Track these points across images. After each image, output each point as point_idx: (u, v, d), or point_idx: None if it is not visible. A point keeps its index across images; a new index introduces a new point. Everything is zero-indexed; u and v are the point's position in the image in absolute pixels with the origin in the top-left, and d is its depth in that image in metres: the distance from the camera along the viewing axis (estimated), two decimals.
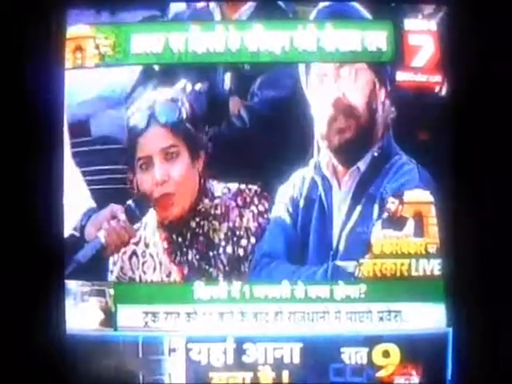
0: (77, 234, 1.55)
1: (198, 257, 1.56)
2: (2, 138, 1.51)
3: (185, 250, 1.57)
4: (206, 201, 1.57)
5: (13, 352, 1.48)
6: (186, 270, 1.56)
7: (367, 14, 1.55)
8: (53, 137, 1.53)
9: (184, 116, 1.55)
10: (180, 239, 1.57)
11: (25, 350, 1.47)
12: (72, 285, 1.52)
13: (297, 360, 1.51)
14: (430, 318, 1.52)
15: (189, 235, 1.57)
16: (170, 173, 1.54)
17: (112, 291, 1.52)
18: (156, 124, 1.55)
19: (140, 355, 1.51)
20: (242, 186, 1.58)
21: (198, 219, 1.57)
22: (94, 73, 1.56)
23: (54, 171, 1.52)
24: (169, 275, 1.57)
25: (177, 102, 1.56)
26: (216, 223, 1.56)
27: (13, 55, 1.51)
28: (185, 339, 1.52)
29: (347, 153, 1.53)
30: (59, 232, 1.52)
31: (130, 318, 1.52)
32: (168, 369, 1.52)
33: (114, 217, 1.55)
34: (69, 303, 1.52)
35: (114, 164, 1.57)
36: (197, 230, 1.57)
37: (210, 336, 1.52)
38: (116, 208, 1.55)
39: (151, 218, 1.58)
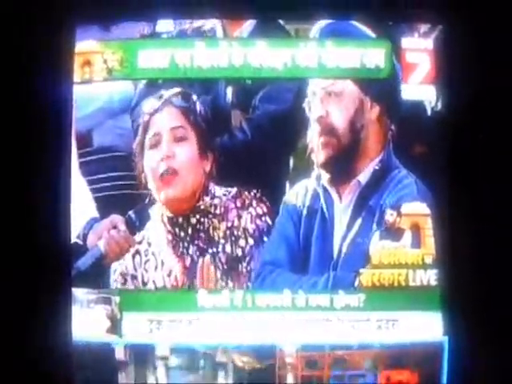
0: (80, 242, 1.58)
1: (198, 253, 1.59)
2: (11, 148, 1.54)
3: (186, 244, 1.60)
4: (207, 199, 1.60)
5: (19, 359, 1.49)
6: (187, 264, 1.59)
7: (366, 32, 1.59)
8: (61, 148, 1.56)
9: (197, 109, 1.60)
10: (182, 234, 1.60)
11: (31, 356, 1.49)
12: (78, 292, 1.54)
13: (297, 366, 1.54)
14: (426, 326, 1.54)
15: (190, 231, 1.60)
16: (176, 151, 1.58)
17: (117, 299, 1.55)
18: (170, 105, 1.59)
19: (144, 362, 1.54)
20: (242, 190, 1.61)
21: (198, 216, 1.60)
22: (98, 84, 1.60)
23: (62, 181, 1.54)
24: (169, 274, 1.59)
25: (191, 95, 1.60)
26: (216, 221, 1.59)
27: (22, 69, 1.54)
28: (189, 346, 1.54)
29: (348, 166, 1.56)
30: (66, 241, 1.55)
31: (135, 325, 1.54)
32: (172, 375, 1.55)
33: (114, 226, 1.58)
34: (75, 311, 1.54)
35: (119, 171, 1.61)
36: (197, 226, 1.60)
37: (213, 343, 1.55)
38: (117, 218, 1.58)
39: (155, 211, 1.61)
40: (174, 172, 1.57)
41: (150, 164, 1.58)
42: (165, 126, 1.59)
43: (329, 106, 1.56)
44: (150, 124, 1.59)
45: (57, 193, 1.54)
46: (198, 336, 1.54)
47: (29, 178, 1.53)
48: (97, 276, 1.57)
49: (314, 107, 1.57)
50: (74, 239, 1.57)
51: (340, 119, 1.56)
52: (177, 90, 1.60)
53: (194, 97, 1.60)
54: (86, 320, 1.55)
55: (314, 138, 1.56)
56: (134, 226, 1.59)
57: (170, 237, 1.62)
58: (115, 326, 1.54)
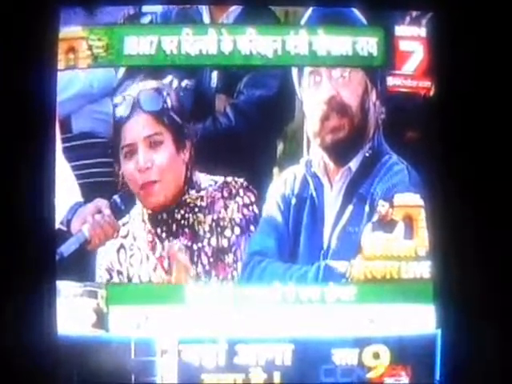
0: (64, 228, 1.55)
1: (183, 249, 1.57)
2: None
3: (169, 242, 1.57)
4: (192, 192, 1.58)
5: (3, 354, 1.46)
6: (168, 263, 1.56)
7: (359, 19, 1.57)
8: (44, 134, 1.52)
9: (169, 105, 1.55)
10: (164, 232, 1.58)
11: (15, 351, 1.46)
12: (63, 286, 1.51)
13: (288, 361, 1.52)
14: (419, 319, 1.53)
15: (174, 227, 1.57)
16: (153, 160, 1.54)
17: (104, 292, 1.52)
18: (140, 112, 1.55)
19: (132, 356, 1.51)
20: (229, 179, 1.58)
21: (183, 211, 1.57)
22: (80, 71, 1.56)
23: (46, 168, 1.51)
24: (155, 269, 1.57)
25: (161, 91, 1.56)
26: (201, 216, 1.57)
27: (5, 55, 1.50)
28: (177, 340, 1.52)
29: (339, 152, 1.54)
30: (51, 229, 1.52)
31: (122, 319, 1.51)
32: (160, 370, 1.52)
33: (99, 211, 1.55)
34: (60, 304, 1.51)
35: (101, 157, 1.58)
36: (182, 222, 1.57)
37: (201, 337, 1.52)
38: (101, 202, 1.55)
39: (138, 209, 1.58)
40: (153, 182, 1.55)
41: (128, 175, 1.55)
42: (138, 135, 1.54)
43: (338, 87, 1.54)
44: (122, 132, 1.55)
45: (41, 179, 1.50)
46: (187, 330, 1.52)
47: (12, 163, 1.49)
48: (81, 264, 1.54)
49: (317, 89, 1.54)
50: (57, 225, 1.54)
51: (350, 101, 1.53)
52: (144, 88, 1.55)
53: (164, 92, 1.55)
54: (72, 314, 1.52)
55: (318, 121, 1.53)
56: (119, 211, 1.56)
57: (150, 237, 1.59)
58: (101, 320, 1.51)
